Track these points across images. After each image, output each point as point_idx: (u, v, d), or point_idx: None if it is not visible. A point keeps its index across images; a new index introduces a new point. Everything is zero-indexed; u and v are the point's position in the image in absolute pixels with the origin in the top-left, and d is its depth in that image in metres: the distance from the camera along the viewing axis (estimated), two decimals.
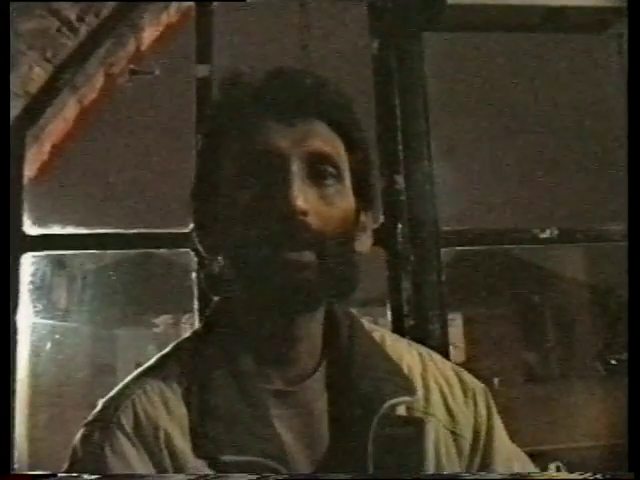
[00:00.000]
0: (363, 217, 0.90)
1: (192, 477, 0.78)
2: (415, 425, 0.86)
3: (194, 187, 0.90)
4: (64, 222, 1.74)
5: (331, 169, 0.84)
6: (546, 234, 1.85)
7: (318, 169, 0.83)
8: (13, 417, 1.60)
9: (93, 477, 0.78)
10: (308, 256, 0.80)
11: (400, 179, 1.78)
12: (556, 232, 1.86)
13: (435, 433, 0.87)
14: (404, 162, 1.80)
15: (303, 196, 0.80)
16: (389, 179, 1.78)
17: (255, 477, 0.76)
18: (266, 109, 0.84)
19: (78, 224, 1.75)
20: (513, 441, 0.96)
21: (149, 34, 2.06)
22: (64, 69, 1.82)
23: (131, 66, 1.96)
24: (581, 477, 0.75)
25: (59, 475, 0.81)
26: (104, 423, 0.81)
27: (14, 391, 1.63)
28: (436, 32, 1.94)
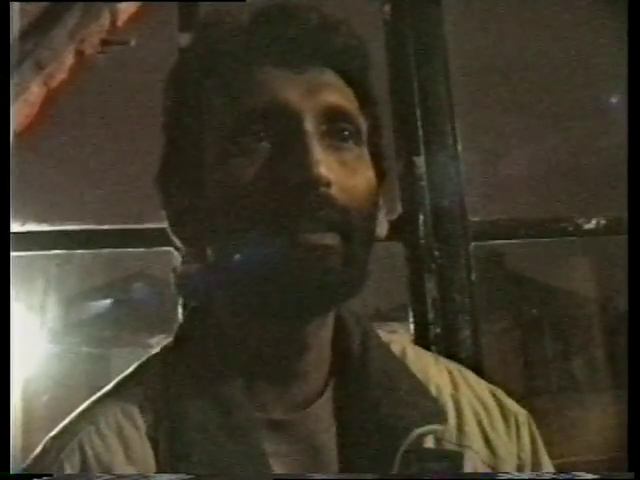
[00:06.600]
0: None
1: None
2: (450, 460, 0.73)
3: (161, 169, 0.79)
4: (24, 219, 1.60)
5: (350, 128, 0.71)
6: (592, 224, 1.72)
7: (335, 128, 0.71)
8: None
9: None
10: (332, 238, 0.68)
11: (420, 161, 1.65)
12: (603, 222, 1.73)
13: (473, 470, 0.74)
14: (424, 142, 1.67)
15: (325, 162, 0.67)
16: (407, 162, 1.65)
17: (190, 477, 0.68)
18: (263, 53, 0.71)
19: (41, 221, 1.62)
20: None
21: (126, 6, 1.96)
22: (25, 38, 1.69)
23: (102, 36, 1.84)
24: (581, 478, 0.73)
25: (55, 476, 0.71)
26: (41, 472, 0.70)
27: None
28: None
